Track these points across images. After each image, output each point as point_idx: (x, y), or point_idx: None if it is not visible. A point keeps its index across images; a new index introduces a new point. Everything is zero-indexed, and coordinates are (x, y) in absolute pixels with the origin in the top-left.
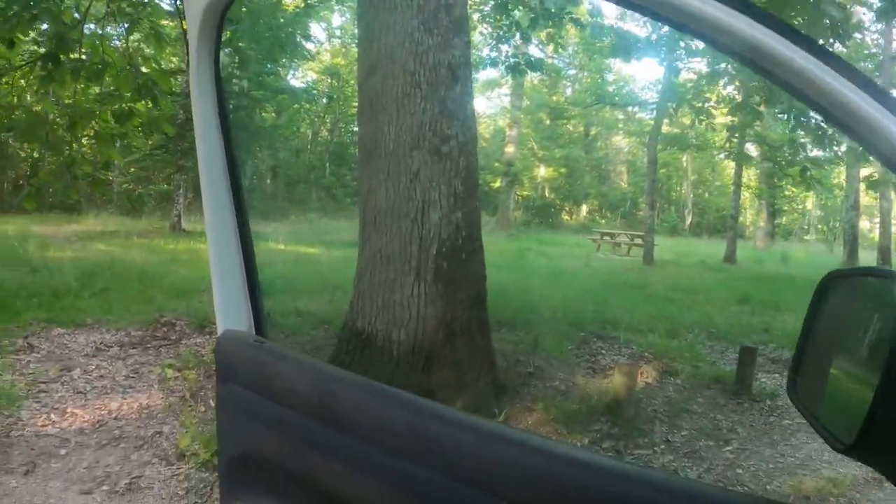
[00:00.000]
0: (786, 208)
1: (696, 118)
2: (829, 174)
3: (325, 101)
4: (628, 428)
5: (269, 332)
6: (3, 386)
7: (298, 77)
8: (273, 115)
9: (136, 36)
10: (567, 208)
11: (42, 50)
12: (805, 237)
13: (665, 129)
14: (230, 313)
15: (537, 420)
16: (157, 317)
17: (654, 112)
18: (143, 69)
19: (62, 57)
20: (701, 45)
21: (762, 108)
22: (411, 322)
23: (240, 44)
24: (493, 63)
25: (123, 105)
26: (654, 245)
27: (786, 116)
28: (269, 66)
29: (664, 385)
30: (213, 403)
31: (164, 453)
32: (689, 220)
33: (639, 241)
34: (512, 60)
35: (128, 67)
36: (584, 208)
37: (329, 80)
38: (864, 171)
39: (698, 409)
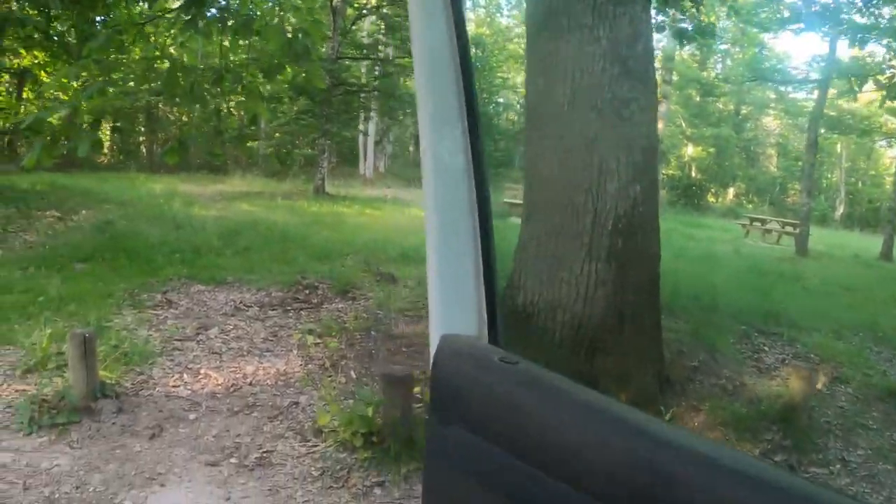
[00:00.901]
0: None
1: (887, 97)
2: None
3: None
4: (802, 440)
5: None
6: (138, 342)
7: None
8: None
9: None
10: (713, 190)
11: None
12: None
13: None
14: (454, 313)
15: (705, 422)
16: (298, 278)
17: (816, 91)
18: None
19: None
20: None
21: None
22: (578, 303)
23: (385, 10)
24: (659, 28)
25: (272, 60)
26: (808, 235)
27: None
28: None
29: (835, 393)
30: (354, 375)
31: (300, 427)
32: (840, 209)
33: (790, 228)
34: (679, 26)
35: (276, 21)
36: (731, 191)
37: (473, 50)
38: None
39: (873, 424)
